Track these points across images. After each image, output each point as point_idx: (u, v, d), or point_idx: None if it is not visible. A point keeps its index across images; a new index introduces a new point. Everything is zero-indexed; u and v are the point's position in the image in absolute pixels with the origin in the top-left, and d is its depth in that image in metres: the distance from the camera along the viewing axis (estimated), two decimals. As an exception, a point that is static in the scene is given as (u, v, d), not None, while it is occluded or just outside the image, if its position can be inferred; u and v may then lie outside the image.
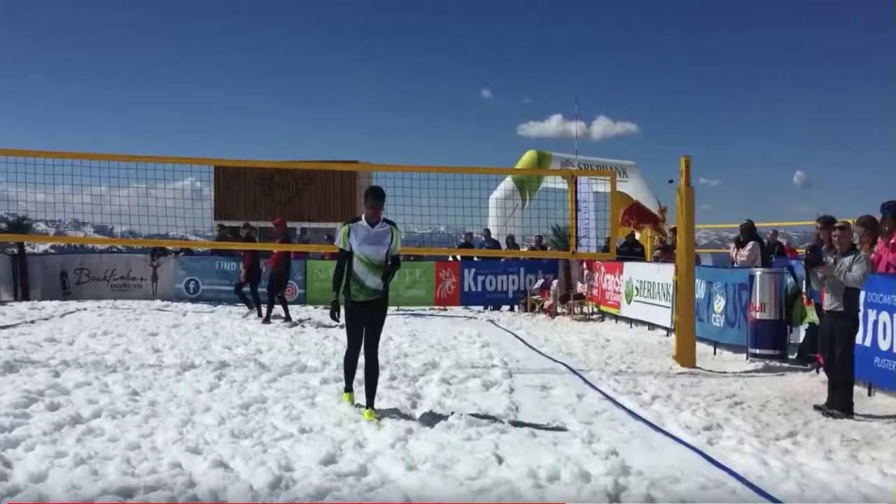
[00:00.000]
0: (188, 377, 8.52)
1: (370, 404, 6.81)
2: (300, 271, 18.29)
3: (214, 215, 21.74)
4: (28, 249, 19.74)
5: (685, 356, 10.13)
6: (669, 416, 7.06)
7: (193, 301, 18.32)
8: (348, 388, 7.25)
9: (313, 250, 18.66)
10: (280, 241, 14.66)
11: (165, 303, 17.98)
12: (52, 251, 22.79)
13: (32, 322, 13.68)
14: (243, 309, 15.96)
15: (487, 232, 19.99)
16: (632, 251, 16.40)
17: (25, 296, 18.18)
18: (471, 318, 16.49)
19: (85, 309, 16.20)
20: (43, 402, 6.88)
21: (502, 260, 18.53)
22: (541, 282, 17.97)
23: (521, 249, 19.55)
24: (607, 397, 7.90)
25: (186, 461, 5.28)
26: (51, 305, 16.79)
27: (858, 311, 7.41)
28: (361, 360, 6.96)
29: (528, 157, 23.15)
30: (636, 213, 16.08)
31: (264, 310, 14.57)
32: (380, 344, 7.08)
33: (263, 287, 15.24)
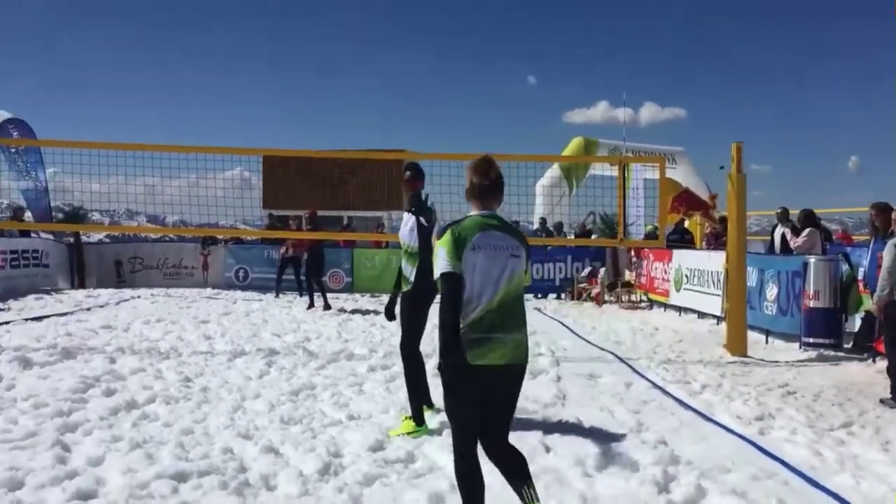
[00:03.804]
0: (239, 364, 8.66)
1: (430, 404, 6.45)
2: (347, 259, 18.47)
3: (263, 204, 21.97)
4: (84, 239, 20.25)
5: (736, 345, 9.95)
6: (720, 405, 6.95)
7: (243, 289, 18.59)
8: (422, 413, 6.02)
9: (359, 238, 18.78)
10: (310, 229, 14.80)
11: (216, 291, 18.27)
12: (107, 240, 23.40)
13: (88, 309, 14.02)
14: (291, 297, 16.17)
15: (543, 221, 19.82)
16: (682, 239, 16.15)
17: (82, 284, 18.67)
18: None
19: (139, 297, 16.54)
20: (99, 388, 7.07)
21: (549, 248, 18.40)
22: (588, 269, 17.82)
23: (569, 238, 19.38)
24: (656, 386, 7.81)
25: (238, 446, 5.37)
26: (106, 293, 17.21)
27: None
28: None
29: (574, 144, 22.91)
30: (686, 201, 15.79)
31: (317, 299, 14.72)
32: (423, 336, 6.36)
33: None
